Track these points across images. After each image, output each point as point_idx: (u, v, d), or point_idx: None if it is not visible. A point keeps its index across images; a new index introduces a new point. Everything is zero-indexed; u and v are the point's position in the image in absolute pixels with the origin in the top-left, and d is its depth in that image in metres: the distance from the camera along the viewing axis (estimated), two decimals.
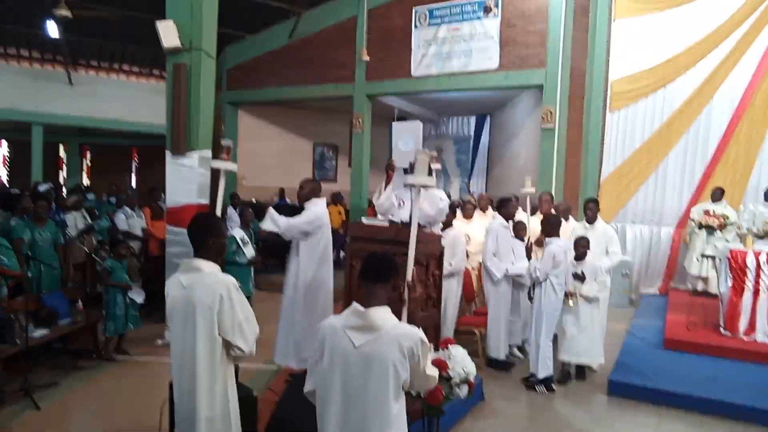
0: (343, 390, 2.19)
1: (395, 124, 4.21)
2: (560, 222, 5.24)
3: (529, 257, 5.54)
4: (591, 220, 6.05)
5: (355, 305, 2.25)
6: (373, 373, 2.15)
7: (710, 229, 8.24)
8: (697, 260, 8.29)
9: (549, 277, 5.02)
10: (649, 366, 5.45)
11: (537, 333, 5.05)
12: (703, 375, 5.24)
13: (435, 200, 4.46)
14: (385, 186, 4.63)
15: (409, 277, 2.72)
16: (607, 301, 5.83)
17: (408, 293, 2.63)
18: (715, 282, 7.37)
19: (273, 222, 4.74)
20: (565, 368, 5.37)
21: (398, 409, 2.19)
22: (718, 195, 8.38)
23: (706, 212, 8.33)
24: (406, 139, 4.36)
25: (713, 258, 7.31)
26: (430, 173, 4.32)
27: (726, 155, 8.92)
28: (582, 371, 5.42)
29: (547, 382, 5.07)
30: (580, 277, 5.22)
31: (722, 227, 8.16)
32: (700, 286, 8.49)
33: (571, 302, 5.20)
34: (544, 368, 5.03)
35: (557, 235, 5.12)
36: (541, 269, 5.01)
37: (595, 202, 6.28)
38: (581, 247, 5.25)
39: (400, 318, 2.60)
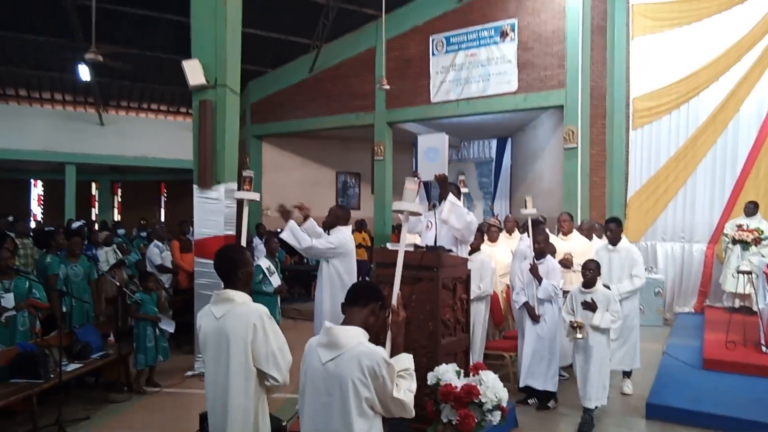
0: (312, 406, 2.26)
1: (420, 138, 4.16)
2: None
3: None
4: (613, 242, 5.60)
5: (326, 323, 2.30)
6: (336, 390, 2.18)
7: (745, 244, 8.01)
8: (733, 276, 8.03)
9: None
10: (688, 387, 5.27)
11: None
12: (746, 396, 5.03)
13: (462, 214, 4.39)
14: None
15: (393, 300, 2.71)
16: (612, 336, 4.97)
17: (392, 317, 2.62)
18: (755, 298, 7.12)
19: (294, 237, 4.64)
20: (587, 415, 4.66)
21: (366, 428, 2.18)
22: (751, 209, 8.17)
23: (740, 227, 8.11)
24: (432, 151, 4.29)
25: (749, 273, 7.08)
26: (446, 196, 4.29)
27: (756, 168, 8.72)
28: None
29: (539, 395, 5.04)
30: (591, 306, 4.60)
31: (757, 242, 7.92)
32: (737, 303, 8.21)
33: (579, 335, 4.56)
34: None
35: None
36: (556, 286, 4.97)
37: (617, 222, 5.72)
38: (589, 271, 4.68)
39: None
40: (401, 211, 2.92)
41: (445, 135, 4.39)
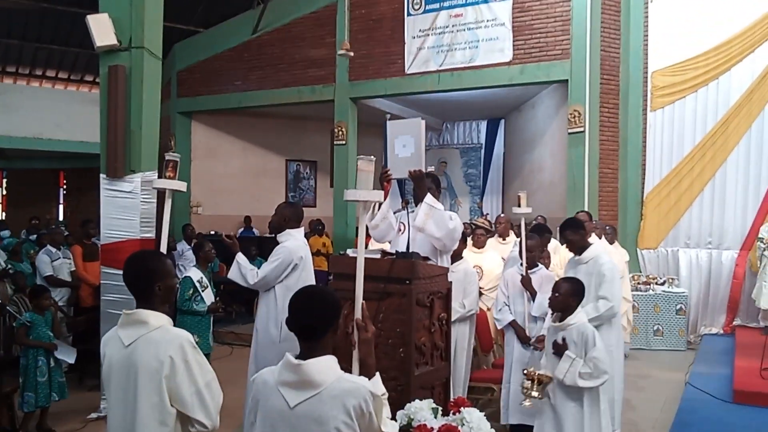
0: None
1: (389, 125, 4.09)
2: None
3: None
4: (577, 249, 5.02)
5: (288, 357, 2.27)
6: None
7: None
8: None
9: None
10: (715, 425, 5.41)
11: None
12: None
13: (443, 219, 4.36)
14: (379, 204, 4.58)
15: (358, 314, 2.71)
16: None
17: (358, 335, 2.63)
18: None
19: (242, 276, 4.86)
20: None
21: None
22: None
23: None
24: (405, 141, 4.24)
25: None
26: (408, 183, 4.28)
27: None
28: None
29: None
30: (559, 349, 3.93)
31: None
32: None
33: (535, 393, 3.86)
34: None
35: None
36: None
37: (573, 226, 5.09)
38: (556, 294, 4.05)
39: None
40: (355, 201, 2.91)
41: (421, 120, 4.27)
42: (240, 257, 4.94)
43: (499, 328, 5.46)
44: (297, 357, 2.28)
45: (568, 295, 4.02)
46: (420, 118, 4.41)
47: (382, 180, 4.45)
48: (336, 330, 2.37)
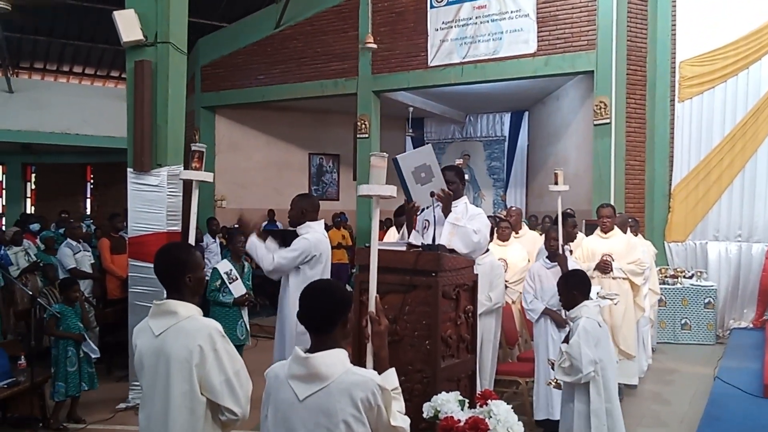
0: None
1: (400, 159, 4.12)
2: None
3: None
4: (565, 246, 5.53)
5: (297, 350, 2.29)
6: (321, 431, 2.20)
7: None
8: None
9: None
10: (744, 420, 5.36)
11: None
12: None
13: (467, 235, 4.30)
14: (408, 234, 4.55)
15: (372, 307, 2.72)
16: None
17: (371, 327, 2.64)
18: None
19: (256, 256, 4.85)
20: None
21: None
22: None
23: None
24: (422, 170, 4.29)
25: None
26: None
27: None
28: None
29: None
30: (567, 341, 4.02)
31: None
32: None
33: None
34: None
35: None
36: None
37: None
38: (558, 292, 4.24)
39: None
40: (368, 196, 2.94)
41: (430, 146, 4.46)
42: (252, 237, 4.88)
43: (533, 319, 5.43)
44: (307, 350, 2.29)
45: (570, 289, 4.09)
46: (428, 144, 4.55)
47: (411, 215, 4.41)
48: (346, 324, 2.37)
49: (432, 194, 4.27)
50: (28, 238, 9.06)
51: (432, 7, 10.79)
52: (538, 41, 9.88)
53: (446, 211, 4.40)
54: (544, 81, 11.10)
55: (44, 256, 8.23)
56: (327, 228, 6.04)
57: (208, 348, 2.46)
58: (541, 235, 7.22)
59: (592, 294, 4.51)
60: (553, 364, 4.11)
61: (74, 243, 7.97)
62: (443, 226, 4.34)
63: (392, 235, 6.30)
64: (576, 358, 3.83)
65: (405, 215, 4.60)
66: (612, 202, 8.73)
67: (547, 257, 5.40)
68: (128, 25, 6.03)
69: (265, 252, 4.83)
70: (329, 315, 2.33)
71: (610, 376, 3.96)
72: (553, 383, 4.12)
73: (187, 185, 4.17)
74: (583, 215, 8.78)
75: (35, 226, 10.51)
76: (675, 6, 9.50)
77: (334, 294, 2.39)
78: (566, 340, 4.02)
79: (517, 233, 7.44)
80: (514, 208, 8.27)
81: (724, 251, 9.43)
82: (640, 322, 6.59)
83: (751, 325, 9.13)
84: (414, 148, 15.64)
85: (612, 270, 5.96)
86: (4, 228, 11.55)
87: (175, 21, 6.21)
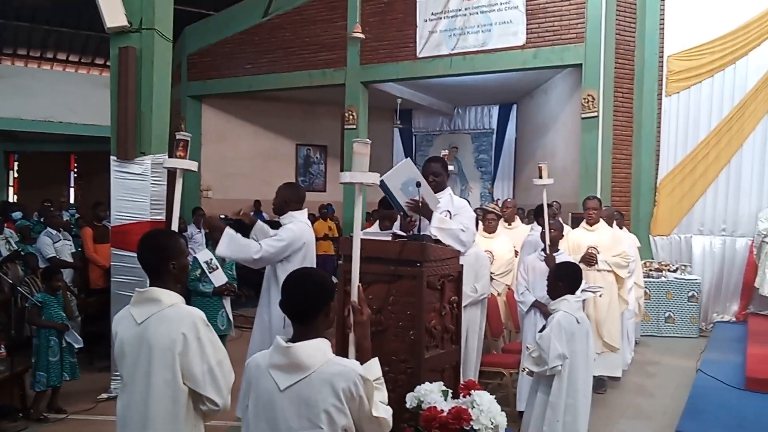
0: None
1: (385, 178, 4.09)
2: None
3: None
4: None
5: (278, 339, 2.28)
6: (302, 421, 2.19)
7: None
8: None
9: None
10: (726, 412, 5.40)
11: None
12: None
13: (454, 235, 4.27)
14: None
15: (354, 296, 2.72)
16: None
17: (353, 317, 2.64)
18: None
19: (235, 251, 4.57)
20: None
21: None
22: None
23: None
24: (409, 184, 4.27)
25: None
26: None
27: None
28: None
29: None
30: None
31: None
32: None
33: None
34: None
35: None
36: None
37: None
38: (550, 275, 4.37)
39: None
40: (351, 184, 2.93)
41: (409, 160, 4.47)
42: (228, 229, 4.58)
43: (524, 311, 5.45)
44: (289, 340, 2.28)
45: (557, 279, 4.17)
46: (407, 159, 4.58)
47: (410, 229, 4.36)
48: (329, 313, 2.35)
49: (401, 210, 4.25)
50: (10, 227, 8.98)
51: None
52: (527, 33, 9.88)
53: (427, 217, 4.34)
54: (533, 74, 11.10)
55: (22, 245, 8.16)
56: (313, 219, 6.02)
57: (191, 336, 2.44)
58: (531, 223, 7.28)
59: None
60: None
61: (54, 232, 7.91)
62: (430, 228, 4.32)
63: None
64: (545, 350, 3.90)
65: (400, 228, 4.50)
66: (599, 195, 8.80)
67: (542, 250, 5.41)
68: (112, 11, 5.96)
69: (246, 242, 4.65)
70: (311, 303, 2.31)
71: (579, 373, 3.99)
72: (526, 370, 4.21)
73: (171, 175, 4.12)
74: (570, 208, 8.82)
75: (17, 215, 10.42)
76: (663, 0, 9.53)
77: (315, 281, 2.38)
78: (542, 331, 4.06)
79: (510, 225, 7.51)
80: (509, 200, 8.38)
81: (708, 245, 9.50)
82: (624, 314, 6.64)
83: (734, 319, 9.22)
84: (402, 140, 15.82)
85: (597, 262, 5.99)
86: None
87: (160, 7, 6.13)
